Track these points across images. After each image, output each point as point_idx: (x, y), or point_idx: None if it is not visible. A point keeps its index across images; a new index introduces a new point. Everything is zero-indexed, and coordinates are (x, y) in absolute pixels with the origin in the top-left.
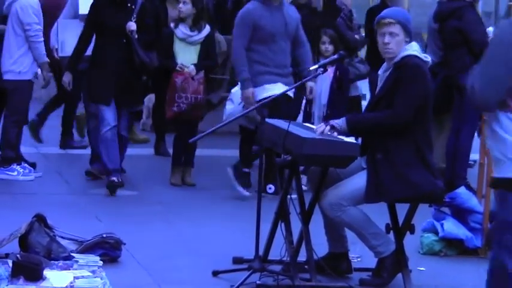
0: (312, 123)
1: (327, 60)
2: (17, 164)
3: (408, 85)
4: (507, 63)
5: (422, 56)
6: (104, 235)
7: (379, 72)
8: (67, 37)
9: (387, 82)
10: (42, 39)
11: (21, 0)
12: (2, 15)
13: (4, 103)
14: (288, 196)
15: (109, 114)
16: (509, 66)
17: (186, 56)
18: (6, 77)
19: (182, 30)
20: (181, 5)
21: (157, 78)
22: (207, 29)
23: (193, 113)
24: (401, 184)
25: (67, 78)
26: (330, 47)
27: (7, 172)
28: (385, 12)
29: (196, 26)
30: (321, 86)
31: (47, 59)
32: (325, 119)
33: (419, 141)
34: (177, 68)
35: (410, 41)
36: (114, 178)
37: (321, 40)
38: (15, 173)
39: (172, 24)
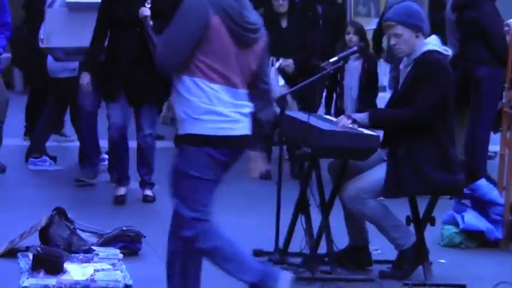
0: None
1: (346, 52)
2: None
3: (429, 82)
4: (191, 32)
5: (443, 49)
6: (124, 228)
7: (400, 67)
8: (55, 27)
9: (408, 78)
10: None
11: None
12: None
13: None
14: (308, 188)
15: (114, 113)
16: (191, 35)
17: None
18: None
19: None
20: None
21: None
22: None
23: None
24: (421, 180)
25: (85, 79)
26: (355, 38)
27: (39, 163)
28: (387, 14)
29: None
30: (351, 80)
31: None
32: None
33: (441, 136)
34: None
35: (422, 34)
36: (119, 192)
37: (346, 30)
38: (47, 163)
39: None
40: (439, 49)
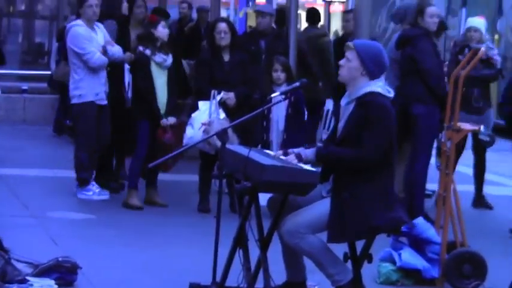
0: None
1: (290, 87)
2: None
3: (376, 126)
4: None
5: (386, 90)
6: (60, 258)
7: (341, 103)
8: None
9: (352, 119)
10: None
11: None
12: None
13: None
14: (247, 222)
15: None
16: None
17: (162, 80)
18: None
19: (159, 54)
20: (166, 29)
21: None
22: (170, 55)
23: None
24: (365, 226)
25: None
26: (282, 75)
27: (84, 192)
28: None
29: (166, 50)
30: (277, 112)
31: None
32: (283, 145)
33: (384, 178)
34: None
35: (368, 76)
36: None
37: (273, 67)
38: (91, 192)
39: (148, 51)
40: (381, 91)
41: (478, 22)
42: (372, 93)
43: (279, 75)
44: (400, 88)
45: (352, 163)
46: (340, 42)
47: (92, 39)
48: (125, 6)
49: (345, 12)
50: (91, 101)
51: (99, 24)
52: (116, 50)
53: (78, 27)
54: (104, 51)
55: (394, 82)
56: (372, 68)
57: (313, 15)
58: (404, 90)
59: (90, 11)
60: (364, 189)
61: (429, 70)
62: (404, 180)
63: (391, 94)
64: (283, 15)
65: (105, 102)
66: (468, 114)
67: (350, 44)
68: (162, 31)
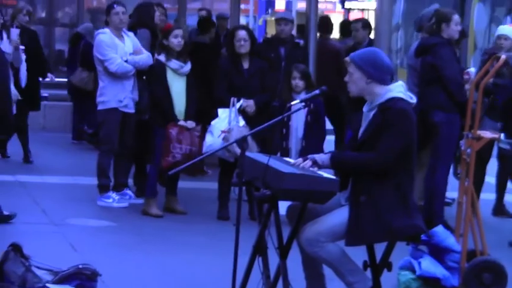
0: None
1: (309, 95)
2: (115, 192)
3: (393, 129)
4: None
5: (408, 96)
6: (80, 266)
7: (364, 109)
8: None
9: (372, 124)
10: None
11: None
12: None
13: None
14: (266, 230)
15: None
16: None
17: (179, 86)
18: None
19: (174, 61)
20: (179, 39)
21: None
22: (189, 62)
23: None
24: (383, 229)
25: None
26: (301, 83)
27: (103, 199)
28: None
29: (183, 58)
30: (296, 120)
31: None
32: (302, 152)
33: (403, 184)
34: (180, 124)
35: (375, 82)
36: None
37: (291, 75)
38: (110, 200)
39: (162, 57)
40: (403, 96)
41: (509, 30)
42: (393, 99)
43: (297, 82)
44: (420, 95)
45: (365, 167)
46: (351, 52)
47: (117, 46)
48: (157, 15)
49: (354, 22)
50: (114, 108)
51: (129, 33)
52: (140, 57)
53: (101, 35)
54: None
55: (413, 89)
56: (373, 72)
57: (325, 24)
58: (425, 97)
59: (117, 18)
60: (382, 193)
61: (450, 77)
62: (424, 188)
63: (414, 100)
64: (326, 22)
65: (130, 110)
66: (495, 122)
67: (347, 59)
68: (172, 41)
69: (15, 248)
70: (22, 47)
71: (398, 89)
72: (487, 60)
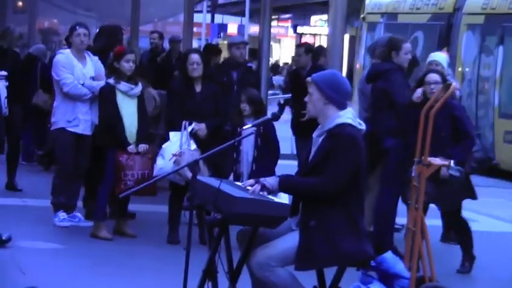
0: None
1: (261, 120)
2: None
3: (341, 154)
4: None
5: (357, 123)
6: None
7: (314, 135)
8: None
9: (321, 150)
10: None
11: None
12: None
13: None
14: (217, 254)
15: None
16: None
17: (130, 108)
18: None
19: (123, 83)
20: (131, 64)
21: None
22: (139, 84)
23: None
24: (333, 254)
25: None
26: (248, 107)
27: (56, 218)
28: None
29: (134, 80)
30: (247, 144)
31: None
32: (252, 176)
33: (352, 208)
34: (129, 150)
35: (332, 104)
36: None
37: (241, 99)
38: (56, 218)
39: (111, 80)
40: (352, 122)
41: (440, 56)
42: (342, 125)
43: (245, 107)
44: (370, 120)
45: (312, 192)
46: (294, 75)
47: (73, 67)
48: (125, 38)
49: (297, 47)
50: (62, 128)
51: (94, 57)
52: (98, 83)
53: (59, 55)
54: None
55: (362, 114)
56: (332, 94)
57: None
58: (376, 123)
59: (78, 40)
60: (331, 218)
61: (402, 103)
62: (374, 214)
63: (363, 127)
64: (318, 51)
65: (84, 132)
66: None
67: (308, 79)
68: (124, 65)
69: None
70: None
71: (348, 115)
72: (416, 86)
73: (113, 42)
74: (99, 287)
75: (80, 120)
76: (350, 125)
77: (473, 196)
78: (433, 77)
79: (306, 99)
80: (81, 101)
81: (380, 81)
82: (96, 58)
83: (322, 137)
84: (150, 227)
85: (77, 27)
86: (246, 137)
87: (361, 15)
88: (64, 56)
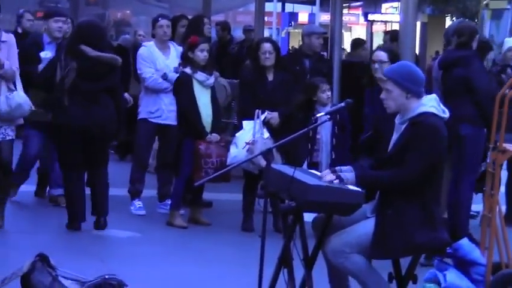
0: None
1: (334, 108)
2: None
3: (421, 144)
4: None
5: (441, 110)
6: (107, 276)
7: (396, 120)
8: None
9: (402, 138)
10: None
11: None
12: None
13: None
14: (291, 242)
15: None
16: None
17: (205, 98)
18: None
19: (200, 73)
20: (205, 53)
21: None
22: (213, 73)
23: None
24: (407, 244)
25: None
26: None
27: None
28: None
29: (209, 70)
30: (325, 134)
31: None
32: (332, 165)
33: (428, 198)
34: (208, 139)
35: (414, 96)
36: None
37: (320, 89)
38: (132, 207)
39: (188, 69)
40: (435, 111)
41: None
42: (425, 114)
43: (329, 94)
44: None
45: (391, 185)
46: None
47: (156, 59)
48: (206, 28)
49: (385, 34)
50: (144, 118)
51: (178, 47)
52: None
53: (141, 48)
54: (165, 76)
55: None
56: (412, 87)
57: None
58: (452, 110)
59: (161, 31)
60: (408, 207)
61: (484, 90)
62: (448, 201)
63: (446, 114)
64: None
65: (167, 121)
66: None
67: (383, 76)
68: (198, 55)
69: (42, 258)
70: None
71: (431, 103)
72: (500, 71)
73: (193, 31)
74: (175, 275)
75: (163, 111)
76: (433, 114)
77: None
78: None
79: (383, 96)
80: (165, 92)
81: (458, 68)
82: (181, 48)
83: (404, 126)
84: (224, 216)
85: (160, 18)
86: (323, 126)
87: (484, 2)
88: (146, 49)
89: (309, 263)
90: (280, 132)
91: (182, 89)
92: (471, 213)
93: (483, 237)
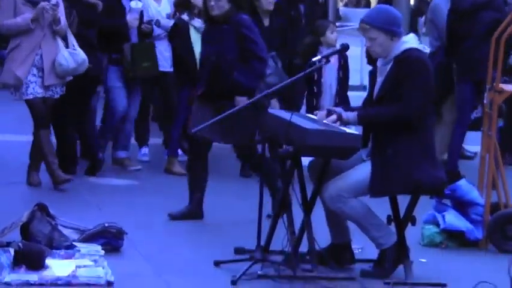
0: None
1: (329, 51)
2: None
3: (415, 79)
4: None
5: (422, 47)
6: (106, 224)
7: (378, 64)
8: None
9: (389, 77)
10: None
11: None
12: None
13: None
14: (290, 186)
15: None
16: None
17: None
18: None
19: (197, 19)
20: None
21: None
22: None
23: None
24: (407, 180)
25: None
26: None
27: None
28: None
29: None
30: (330, 77)
31: None
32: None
33: (425, 135)
34: None
35: (397, 37)
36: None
37: (330, 28)
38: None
39: (185, 15)
40: (418, 47)
41: None
42: (409, 50)
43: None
44: (442, 51)
45: (393, 119)
46: None
47: (148, 7)
48: None
49: None
50: None
51: None
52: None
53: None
54: (158, 23)
55: (433, 43)
56: (396, 29)
57: None
58: (466, 53)
59: None
60: (405, 145)
61: None
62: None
63: (427, 50)
64: None
65: (162, 68)
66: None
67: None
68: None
69: (41, 208)
70: None
71: (413, 40)
72: None
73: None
74: (174, 222)
75: (158, 58)
76: (416, 49)
77: None
78: None
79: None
80: (157, 39)
81: (486, 11)
82: None
83: (389, 65)
84: (222, 163)
85: None
86: (328, 70)
87: None
88: None
89: (307, 207)
90: None
91: (179, 35)
92: (468, 153)
93: (481, 178)
